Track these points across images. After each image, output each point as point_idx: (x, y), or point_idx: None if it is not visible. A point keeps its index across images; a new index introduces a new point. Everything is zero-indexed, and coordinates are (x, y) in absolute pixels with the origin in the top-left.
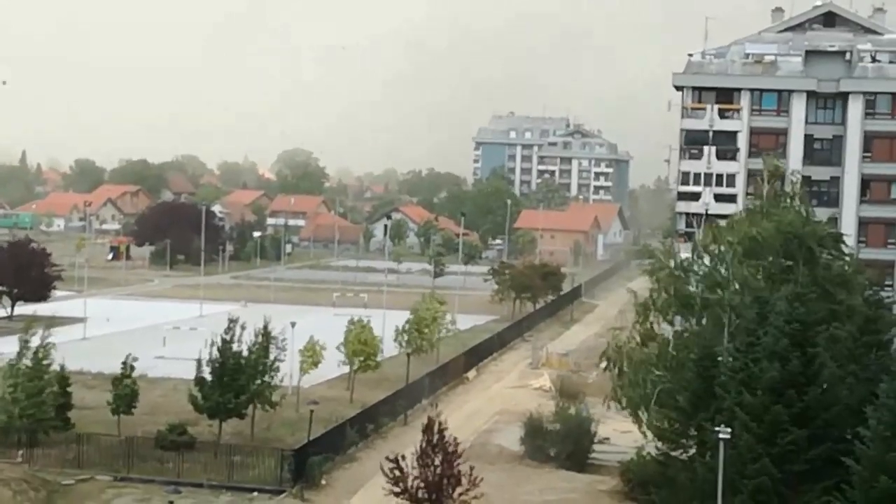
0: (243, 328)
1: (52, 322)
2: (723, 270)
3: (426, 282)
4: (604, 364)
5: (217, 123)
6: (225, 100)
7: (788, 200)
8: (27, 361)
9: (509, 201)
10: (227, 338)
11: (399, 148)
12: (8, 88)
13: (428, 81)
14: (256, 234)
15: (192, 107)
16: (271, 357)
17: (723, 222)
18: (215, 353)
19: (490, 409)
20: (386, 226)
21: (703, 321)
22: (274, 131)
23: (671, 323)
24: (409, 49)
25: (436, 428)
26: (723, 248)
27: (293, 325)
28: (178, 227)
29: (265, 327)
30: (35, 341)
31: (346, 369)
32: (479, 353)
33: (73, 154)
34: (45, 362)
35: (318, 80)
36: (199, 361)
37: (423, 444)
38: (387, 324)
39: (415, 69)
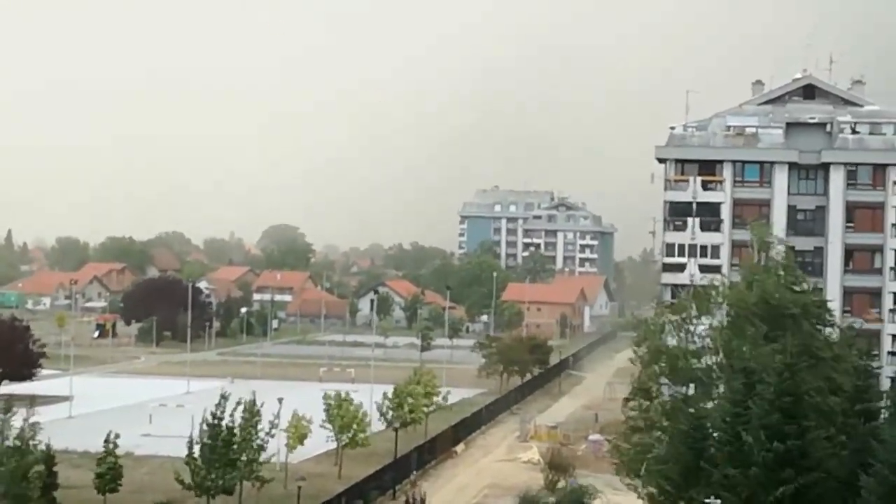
0: (237, 404)
1: (36, 401)
2: (708, 340)
3: (413, 356)
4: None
5: (202, 200)
6: (208, 176)
7: (777, 270)
8: (11, 442)
9: (495, 274)
10: (218, 413)
11: (384, 223)
12: None
13: (411, 156)
14: (243, 309)
15: (175, 184)
16: (260, 433)
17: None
18: (205, 429)
19: (479, 482)
20: (372, 300)
21: (692, 389)
22: (258, 208)
23: (656, 394)
24: (392, 123)
25: None
26: (706, 317)
27: (280, 401)
28: (165, 303)
29: (252, 402)
30: (18, 421)
31: (334, 445)
32: (468, 427)
33: (57, 231)
34: (31, 442)
35: (300, 154)
36: (190, 439)
37: None
38: (374, 398)
39: (397, 144)
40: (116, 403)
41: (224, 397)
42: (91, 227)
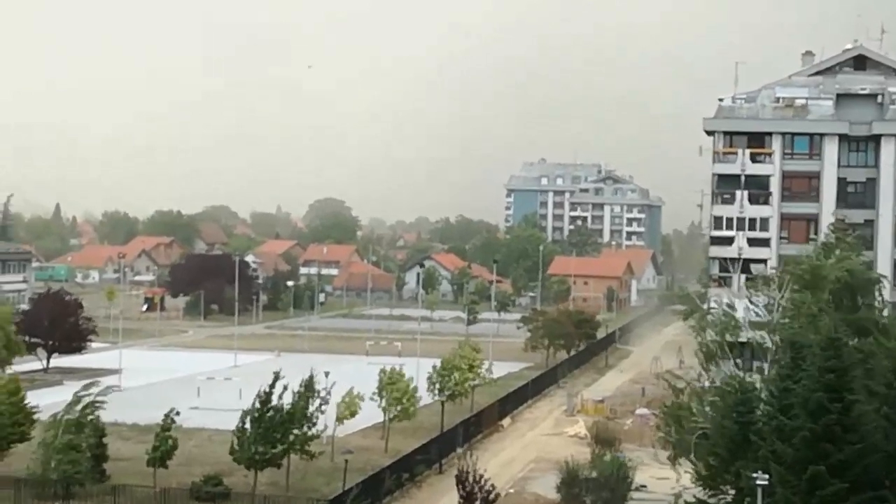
0: (285, 388)
1: (88, 374)
2: (770, 313)
3: (460, 329)
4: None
5: (249, 173)
6: (256, 150)
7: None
8: (72, 415)
9: (542, 248)
10: (269, 390)
11: (430, 196)
12: (41, 142)
13: (458, 129)
14: (290, 283)
15: (222, 157)
16: (311, 408)
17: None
18: (257, 404)
19: (525, 456)
20: (418, 274)
21: (742, 365)
22: (306, 181)
23: (706, 368)
24: (438, 96)
25: (471, 478)
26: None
27: (327, 374)
28: (212, 277)
29: (310, 378)
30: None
31: (381, 418)
32: (514, 401)
33: (105, 206)
34: (89, 417)
35: (348, 129)
36: (243, 413)
37: (462, 494)
38: (420, 372)
39: (444, 117)
40: (165, 376)
41: (277, 376)
42: (139, 201)
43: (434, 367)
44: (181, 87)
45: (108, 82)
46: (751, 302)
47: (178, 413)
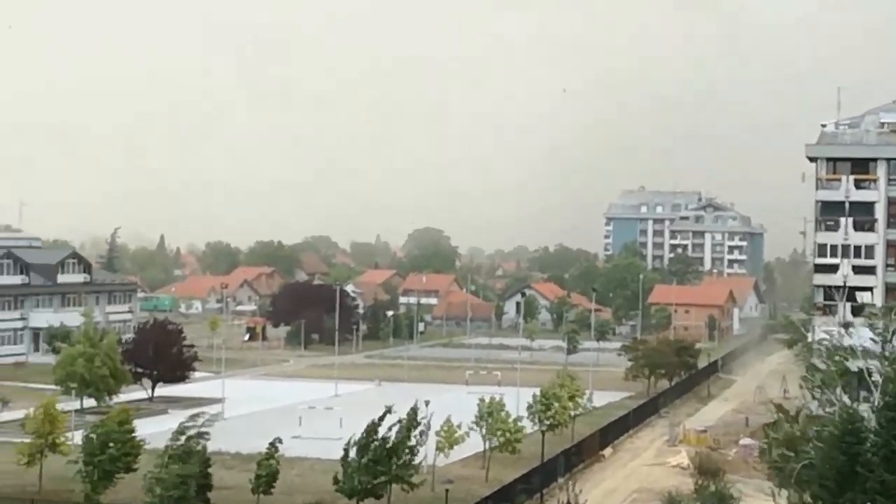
0: (386, 409)
1: (191, 403)
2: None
3: (559, 359)
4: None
5: (348, 204)
6: (354, 182)
7: None
8: (178, 445)
9: (642, 276)
10: (378, 422)
11: (529, 225)
12: (145, 176)
13: (556, 157)
14: (389, 312)
15: (322, 187)
16: (414, 439)
17: None
18: (362, 434)
19: (627, 486)
20: (518, 303)
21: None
22: (404, 211)
23: (814, 397)
24: (536, 125)
25: None
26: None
27: (427, 403)
28: (312, 307)
29: (413, 409)
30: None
31: (480, 447)
32: (615, 431)
33: (208, 237)
34: (195, 447)
35: (446, 159)
36: (347, 443)
37: None
38: (521, 401)
39: (542, 145)
40: (267, 406)
41: (389, 410)
42: (240, 232)
43: (534, 396)
44: (277, 118)
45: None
46: (870, 329)
47: (280, 442)
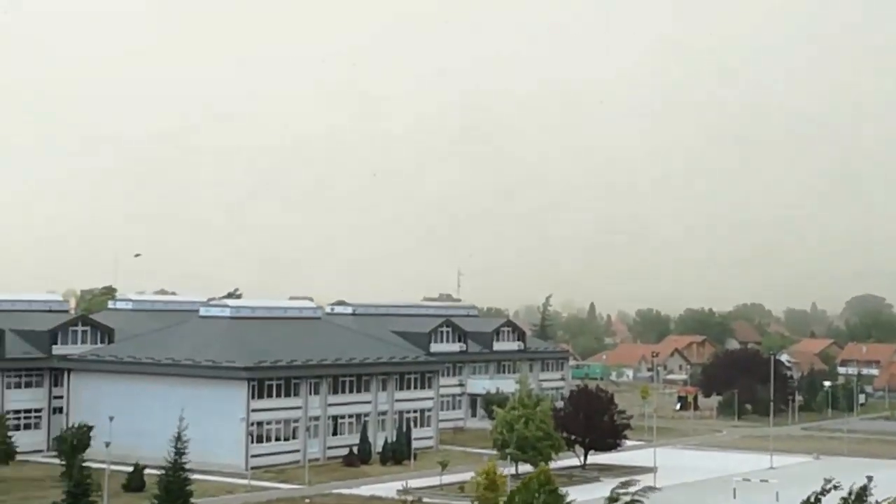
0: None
1: (623, 471)
2: None
3: None
4: None
5: (783, 271)
6: (790, 250)
7: None
8: None
9: None
10: (818, 496)
11: None
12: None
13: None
14: (826, 383)
15: (756, 254)
16: None
17: None
18: None
19: None
20: None
21: None
22: (842, 277)
23: None
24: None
25: None
26: None
27: (869, 479)
28: (745, 376)
29: (863, 487)
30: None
31: None
32: None
33: (637, 304)
34: None
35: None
36: None
37: None
38: None
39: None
40: (700, 476)
41: (833, 486)
42: (671, 299)
43: None
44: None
45: None
46: None
47: None
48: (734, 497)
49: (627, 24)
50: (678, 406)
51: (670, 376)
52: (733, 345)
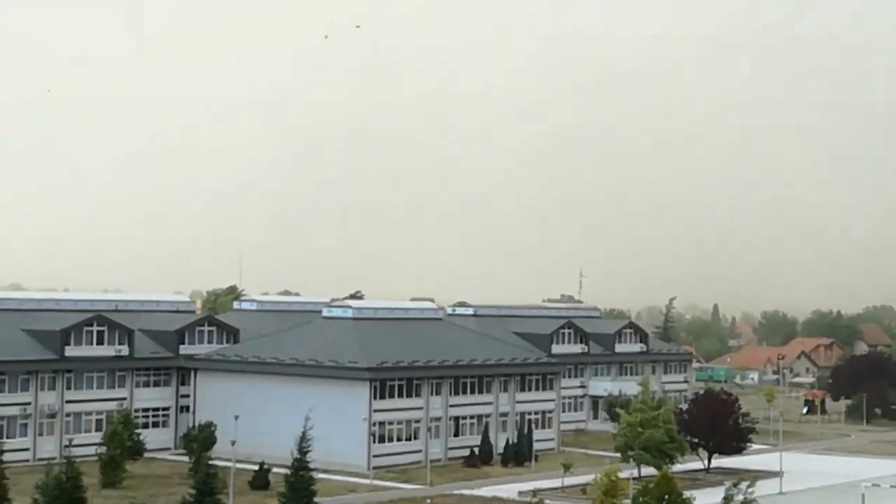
0: None
1: (748, 475)
2: None
3: None
4: None
5: None
6: None
7: None
8: None
9: None
10: None
11: None
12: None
13: None
14: None
15: (888, 255)
16: None
17: None
18: None
19: None
20: None
21: None
22: None
23: None
24: None
25: None
26: None
27: None
28: (874, 380)
29: None
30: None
31: None
32: None
33: (762, 306)
34: None
35: None
36: None
37: None
38: None
39: None
40: (827, 481)
41: None
42: (797, 301)
43: None
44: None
45: None
46: None
47: None
48: (862, 502)
49: None
50: (805, 410)
51: (796, 379)
52: (862, 348)
